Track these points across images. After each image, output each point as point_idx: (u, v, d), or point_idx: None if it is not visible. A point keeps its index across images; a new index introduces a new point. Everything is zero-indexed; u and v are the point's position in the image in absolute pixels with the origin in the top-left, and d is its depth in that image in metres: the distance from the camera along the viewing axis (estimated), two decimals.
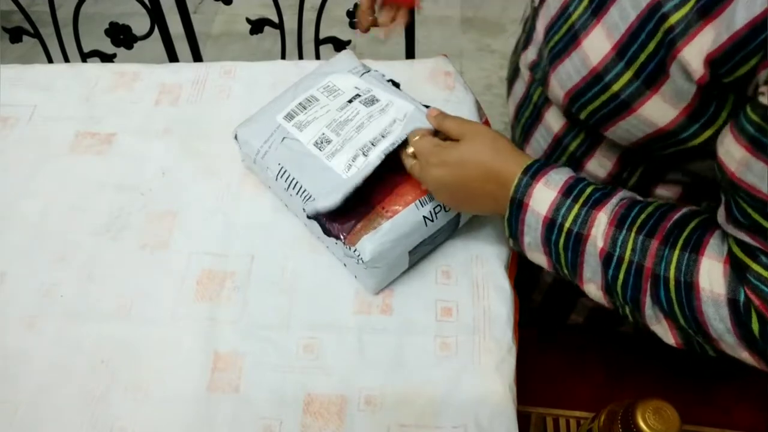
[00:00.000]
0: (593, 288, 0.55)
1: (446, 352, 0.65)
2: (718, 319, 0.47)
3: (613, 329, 0.84)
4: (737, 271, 0.47)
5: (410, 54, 1.21)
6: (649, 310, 0.51)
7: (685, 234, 0.50)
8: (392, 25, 0.84)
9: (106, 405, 0.63)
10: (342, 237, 0.65)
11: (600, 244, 0.52)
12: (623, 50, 0.50)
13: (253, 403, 0.63)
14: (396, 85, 0.76)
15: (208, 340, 0.67)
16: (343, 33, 1.25)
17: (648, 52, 0.49)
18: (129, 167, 0.82)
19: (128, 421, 0.62)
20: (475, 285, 0.70)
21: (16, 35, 1.24)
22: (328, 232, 0.66)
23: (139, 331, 0.68)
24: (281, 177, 0.70)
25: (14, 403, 0.63)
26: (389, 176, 0.67)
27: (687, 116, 0.50)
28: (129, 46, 1.24)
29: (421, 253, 0.69)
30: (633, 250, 0.51)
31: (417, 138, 0.64)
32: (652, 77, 0.49)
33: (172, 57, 1.27)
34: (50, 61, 1.26)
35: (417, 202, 0.65)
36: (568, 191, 0.55)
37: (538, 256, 0.59)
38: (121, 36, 1.22)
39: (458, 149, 0.60)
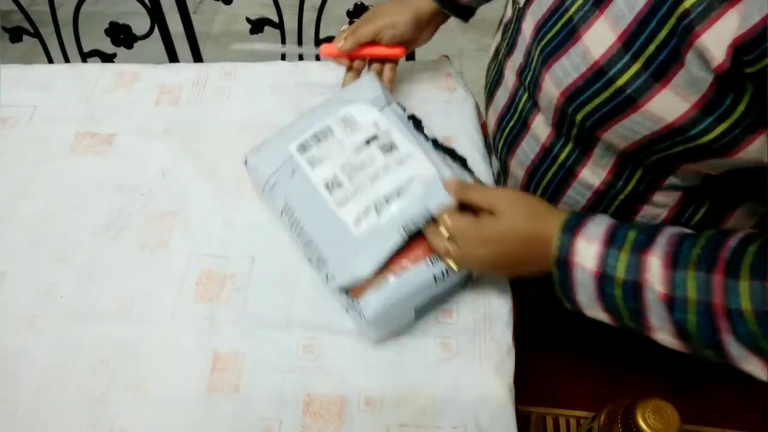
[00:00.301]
0: (665, 336, 0.52)
1: (446, 354, 0.65)
2: None
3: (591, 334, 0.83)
4: None
5: (410, 55, 1.21)
6: (734, 350, 0.47)
7: (747, 261, 0.46)
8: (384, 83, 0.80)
9: (106, 405, 0.63)
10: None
11: (659, 288, 0.49)
12: (630, 41, 0.48)
13: (253, 403, 0.63)
14: (417, 122, 0.72)
15: (208, 340, 0.67)
16: None
17: (659, 40, 0.46)
18: (129, 167, 0.82)
19: (128, 421, 0.62)
20: (475, 287, 0.69)
21: (16, 35, 1.24)
22: None
23: (139, 331, 0.68)
24: (286, 214, 0.68)
25: (14, 403, 0.63)
26: None
27: (700, 109, 0.47)
28: (129, 46, 1.24)
29: (428, 308, 0.66)
30: (697, 288, 0.48)
31: (449, 220, 0.60)
32: (663, 68, 0.47)
33: (172, 57, 1.27)
34: (50, 60, 1.26)
35: (428, 259, 0.62)
36: (610, 241, 0.53)
37: (598, 313, 0.56)
38: (121, 36, 1.22)
39: (497, 224, 0.58)
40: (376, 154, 0.67)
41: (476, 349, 0.65)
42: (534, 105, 0.63)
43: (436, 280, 0.62)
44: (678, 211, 0.63)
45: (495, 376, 0.63)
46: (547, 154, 0.65)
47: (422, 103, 0.86)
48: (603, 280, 0.53)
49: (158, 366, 0.65)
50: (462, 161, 0.70)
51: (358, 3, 1.21)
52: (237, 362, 0.65)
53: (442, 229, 0.60)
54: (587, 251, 0.53)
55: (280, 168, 0.69)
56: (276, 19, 1.22)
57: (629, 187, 0.62)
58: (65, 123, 0.87)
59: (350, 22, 1.20)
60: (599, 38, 0.50)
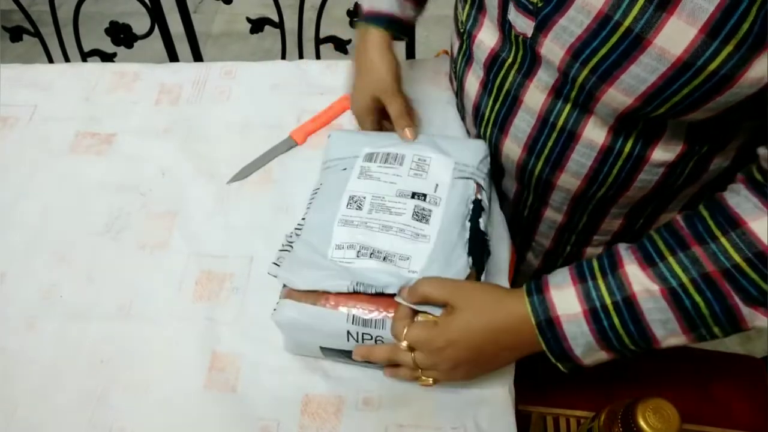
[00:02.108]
0: (674, 339, 0.53)
1: None
2: None
3: None
4: None
5: (410, 54, 1.21)
6: (745, 310, 0.49)
7: (709, 222, 0.50)
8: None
9: (105, 405, 0.63)
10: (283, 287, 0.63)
11: (653, 286, 0.51)
12: (716, 29, 0.47)
13: (250, 403, 0.63)
14: (477, 210, 0.65)
15: (206, 340, 0.67)
16: (344, 32, 1.25)
17: (751, 18, 0.45)
18: (129, 167, 0.82)
19: (128, 421, 0.62)
20: None
21: (16, 34, 1.24)
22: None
23: (139, 331, 0.68)
24: (312, 195, 0.69)
25: (14, 403, 0.63)
26: None
27: None
28: (129, 46, 1.24)
29: (337, 357, 0.64)
30: (684, 269, 0.50)
31: (405, 330, 0.57)
32: (760, 39, 0.46)
33: (173, 56, 1.27)
34: (50, 60, 1.26)
35: (348, 311, 0.58)
36: (579, 277, 0.54)
37: (597, 355, 0.55)
38: (122, 35, 1.22)
39: (457, 320, 0.56)
40: (408, 212, 0.64)
41: None
42: (584, 112, 0.61)
43: (348, 336, 0.59)
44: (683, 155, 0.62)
45: (495, 377, 0.63)
46: (607, 154, 0.63)
47: (422, 103, 0.86)
48: (594, 315, 0.53)
49: (157, 366, 0.65)
50: (482, 256, 0.64)
51: (359, 3, 1.20)
52: (235, 362, 0.65)
53: (403, 345, 0.57)
54: (564, 298, 0.54)
55: (343, 160, 0.70)
56: (276, 18, 1.22)
57: (704, 149, 0.61)
58: (65, 123, 0.87)
59: (350, 22, 1.20)
60: (676, 36, 0.49)
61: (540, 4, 0.56)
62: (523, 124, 0.66)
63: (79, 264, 0.73)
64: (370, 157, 0.70)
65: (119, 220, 0.77)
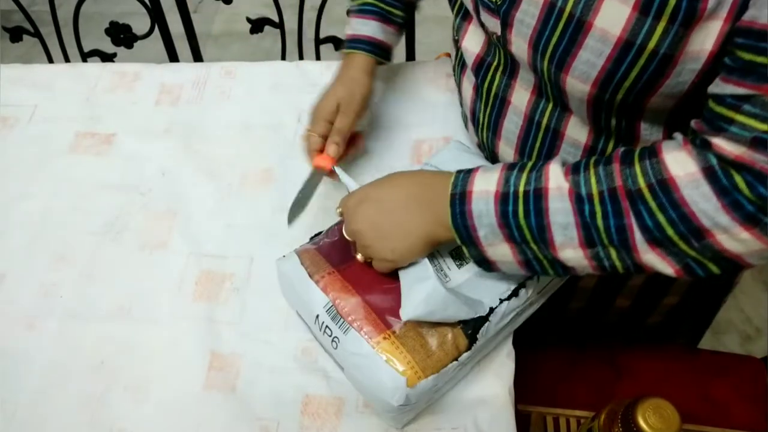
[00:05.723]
0: (570, 251, 0.52)
1: None
2: (702, 199, 0.47)
3: (612, 306, 0.85)
4: (700, 146, 0.49)
5: (410, 54, 1.21)
6: (639, 235, 0.49)
7: (636, 152, 0.51)
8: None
9: (105, 405, 0.63)
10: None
11: (565, 185, 0.52)
12: (647, 5, 0.48)
13: (250, 404, 0.63)
14: None
15: (206, 340, 0.67)
16: (343, 32, 1.25)
17: None
18: (129, 167, 0.82)
19: (128, 422, 0.62)
20: None
21: (16, 35, 1.24)
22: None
23: (139, 332, 0.68)
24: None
25: (14, 403, 0.63)
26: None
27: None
28: (129, 46, 1.24)
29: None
30: (598, 180, 0.51)
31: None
32: (690, 14, 0.47)
33: (173, 56, 1.27)
34: (50, 60, 1.26)
35: (329, 300, 0.60)
36: (510, 167, 0.56)
37: (500, 247, 0.55)
38: (122, 35, 1.22)
39: (377, 181, 0.61)
40: None
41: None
42: (564, 110, 0.62)
43: (316, 319, 0.61)
44: None
45: (495, 379, 0.63)
46: (591, 153, 0.64)
47: (422, 105, 0.86)
48: (504, 198, 0.53)
49: (157, 366, 0.65)
50: None
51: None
52: (235, 363, 0.65)
53: (337, 211, 0.63)
54: (486, 180, 0.55)
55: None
56: (276, 18, 1.22)
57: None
58: (65, 123, 0.87)
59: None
60: (613, 15, 0.50)
61: (498, 2, 0.59)
62: (511, 125, 0.68)
63: (79, 264, 0.73)
64: None
65: (119, 220, 0.77)
